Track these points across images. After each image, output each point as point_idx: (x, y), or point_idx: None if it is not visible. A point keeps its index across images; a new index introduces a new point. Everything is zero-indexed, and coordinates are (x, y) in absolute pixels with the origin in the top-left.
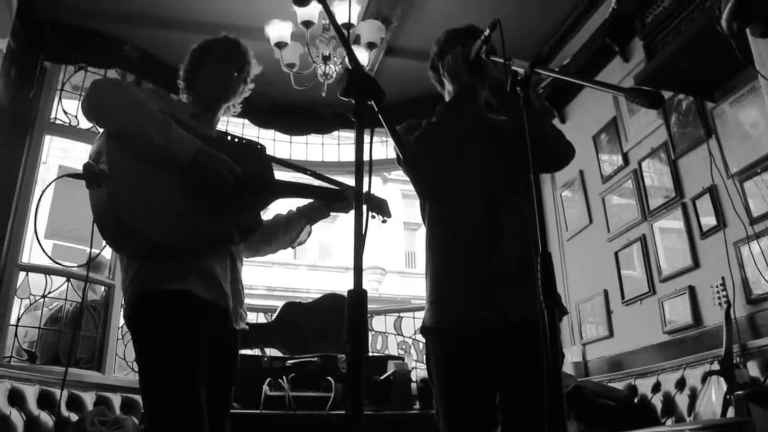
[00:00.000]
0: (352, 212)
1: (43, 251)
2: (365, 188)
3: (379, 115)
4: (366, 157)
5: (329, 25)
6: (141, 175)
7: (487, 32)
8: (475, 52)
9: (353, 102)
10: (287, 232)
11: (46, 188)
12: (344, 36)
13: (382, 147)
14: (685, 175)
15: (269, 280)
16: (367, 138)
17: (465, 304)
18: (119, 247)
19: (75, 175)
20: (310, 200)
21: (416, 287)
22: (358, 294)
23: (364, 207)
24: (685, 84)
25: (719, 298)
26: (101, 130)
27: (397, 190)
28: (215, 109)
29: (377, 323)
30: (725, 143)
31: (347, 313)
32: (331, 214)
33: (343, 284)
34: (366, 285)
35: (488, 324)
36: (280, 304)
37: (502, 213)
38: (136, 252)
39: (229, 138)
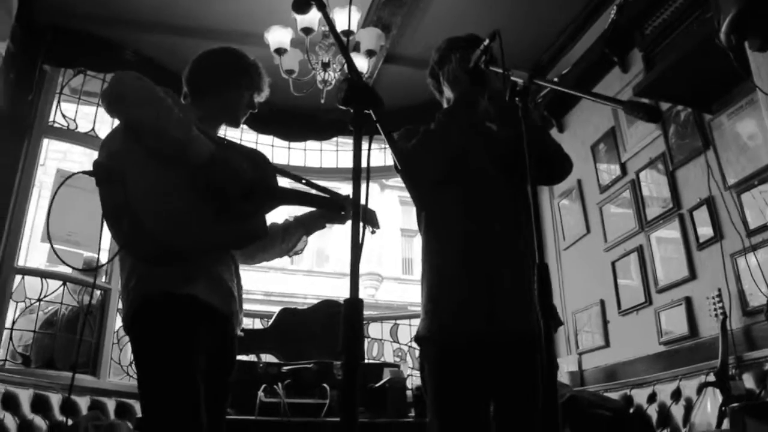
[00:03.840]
0: (348, 223)
1: (57, 256)
2: (363, 197)
3: (378, 125)
4: (364, 165)
5: (329, 33)
6: (156, 175)
7: (486, 42)
8: (474, 62)
9: (352, 111)
10: (284, 241)
11: (59, 187)
12: (343, 44)
13: (381, 154)
14: (683, 186)
15: (266, 286)
16: (365, 147)
17: (460, 315)
18: (131, 247)
19: (87, 173)
20: (307, 210)
21: (413, 293)
22: (354, 303)
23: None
24: (684, 96)
25: (715, 309)
26: (104, 133)
27: (395, 197)
28: (220, 123)
29: (373, 330)
30: (723, 155)
31: (342, 322)
32: (328, 225)
33: (340, 290)
34: (363, 291)
35: (483, 336)
36: (276, 309)
37: (499, 223)
38: (147, 253)
39: (225, 142)
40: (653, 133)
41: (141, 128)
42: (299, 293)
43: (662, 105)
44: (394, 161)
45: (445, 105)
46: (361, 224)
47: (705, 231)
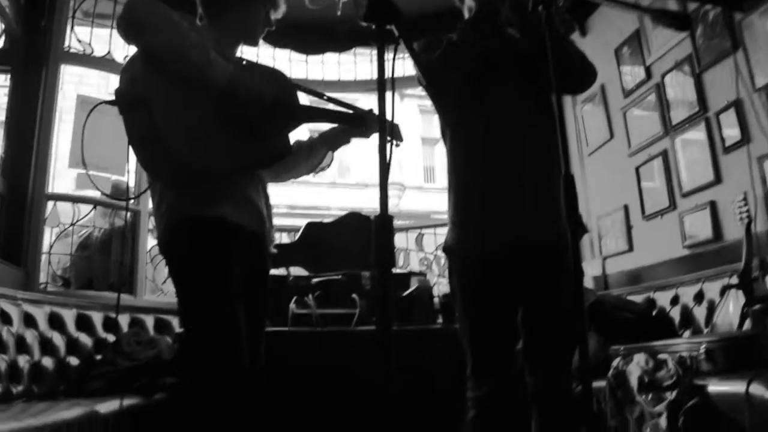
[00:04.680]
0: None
1: (93, 184)
2: (388, 111)
3: (401, 40)
4: (388, 85)
5: None
6: (177, 100)
7: None
8: None
9: (373, 27)
10: (309, 158)
11: (87, 118)
12: None
13: (400, 63)
14: (710, 89)
15: (290, 199)
16: (388, 62)
17: (488, 225)
18: (157, 172)
19: (109, 102)
20: (331, 127)
21: (436, 202)
22: (385, 219)
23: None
24: None
25: (740, 213)
26: (120, 55)
27: (414, 106)
28: (238, 43)
29: (399, 240)
30: (753, 56)
31: (374, 237)
32: (352, 140)
33: (363, 200)
34: None
35: (510, 244)
36: (301, 222)
37: (523, 133)
38: (173, 177)
39: (244, 63)
40: (679, 35)
41: (159, 54)
42: (322, 205)
43: (690, 5)
44: (418, 76)
45: (466, 13)
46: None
47: (732, 134)
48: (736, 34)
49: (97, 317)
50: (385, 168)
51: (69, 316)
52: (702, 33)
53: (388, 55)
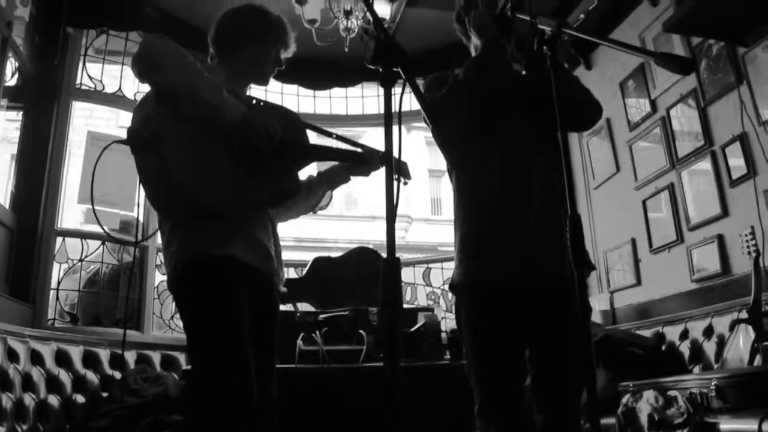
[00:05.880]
0: (375, 173)
1: (102, 227)
2: (395, 148)
3: (408, 82)
4: (394, 121)
5: None
6: (189, 140)
7: None
8: (500, 8)
9: (381, 70)
10: (308, 198)
11: (99, 156)
12: None
13: (407, 97)
14: (715, 123)
15: (297, 231)
16: (395, 96)
17: (494, 262)
18: (168, 212)
19: (121, 141)
20: (330, 165)
21: (443, 234)
22: (392, 263)
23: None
24: (716, 29)
25: (748, 246)
26: (130, 91)
27: (421, 138)
28: (248, 82)
29: (406, 274)
30: (757, 89)
31: (381, 282)
32: (352, 178)
33: (370, 233)
34: None
35: (517, 281)
36: (308, 255)
37: (529, 170)
38: (183, 217)
39: (254, 102)
40: None
41: (172, 93)
42: (330, 238)
43: (693, 39)
44: (424, 116)
45: (472, 51)
46: (395, 179)
47: (738, 168)
48: (740, 68)
49: (104, 354)
50: (392, 208)
51: (76, 352)
52: (706, 67)
53: (396, 90)
